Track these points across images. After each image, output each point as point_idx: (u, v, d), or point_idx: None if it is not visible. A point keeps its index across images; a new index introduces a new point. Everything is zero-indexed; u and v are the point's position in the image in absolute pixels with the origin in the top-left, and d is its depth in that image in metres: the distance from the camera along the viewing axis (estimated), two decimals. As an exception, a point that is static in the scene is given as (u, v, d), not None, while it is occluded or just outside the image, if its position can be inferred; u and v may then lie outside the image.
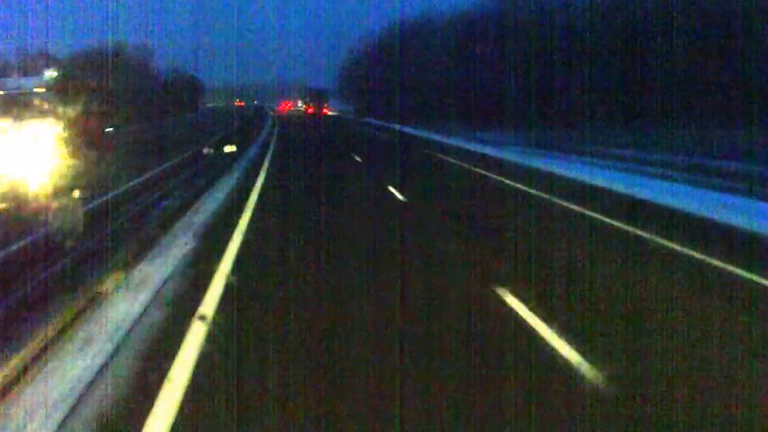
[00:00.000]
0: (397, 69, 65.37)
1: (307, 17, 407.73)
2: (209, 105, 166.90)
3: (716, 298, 6.64)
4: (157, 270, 7.40)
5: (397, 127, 51.75)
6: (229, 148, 18.46)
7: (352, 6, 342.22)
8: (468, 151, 27.45)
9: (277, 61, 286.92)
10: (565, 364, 4.76)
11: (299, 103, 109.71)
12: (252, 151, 25.58)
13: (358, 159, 22.97)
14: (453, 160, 22.67)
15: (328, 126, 54.66)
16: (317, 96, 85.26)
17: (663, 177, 16.86)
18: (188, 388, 4.36)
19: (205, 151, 17.35)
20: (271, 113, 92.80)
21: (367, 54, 79.94)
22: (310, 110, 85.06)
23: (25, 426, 3.90)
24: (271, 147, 28.64)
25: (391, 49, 68.48)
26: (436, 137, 38.28)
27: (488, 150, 27.31)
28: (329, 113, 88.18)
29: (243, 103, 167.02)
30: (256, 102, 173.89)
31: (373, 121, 65.94)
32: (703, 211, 11.64)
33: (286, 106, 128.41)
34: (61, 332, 5.28)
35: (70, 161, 10.34)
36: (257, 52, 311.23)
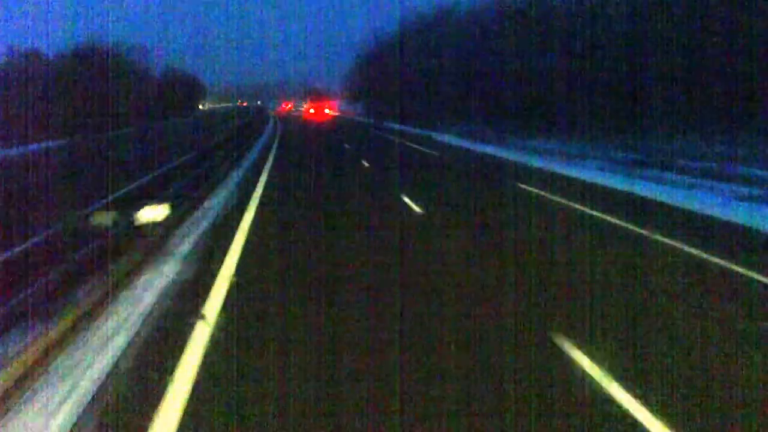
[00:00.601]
0: (418, 64, 54.75)
1: (310, 18, 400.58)
2: (209, 106, 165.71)
3: None
4: None
5: (433, 135, 40.80)
6: (151, 214, 7.92)
7: (355, 7, 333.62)
8: (577, 181, 16.85)
9: (279, 62, 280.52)
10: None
11: (303, 105, 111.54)
12: (216, 209, 12.76)
13: (418, 210, 12.56)
14: (594, 213, 12.14)
15: (347, 137, 43.55)
16: (318, 97, 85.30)
17: None
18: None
19: (96, 221, 7.02)
20: (272, 114, 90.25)
21: (387, 47, 69.36)
22: (311, 111, 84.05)
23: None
24: (257, 195, 14.50)
25: (414, 42, 57.97)
26: (500, 153, 27.70)
27: (597, 177, 16.69)
28: (330, 113, 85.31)
29: (246, 103, 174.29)
30: (259, 102, 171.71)
31: (396, 126, 53.79)
32: None
33: (285, 107, 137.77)
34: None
35: None
36: (260, 53, 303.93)
